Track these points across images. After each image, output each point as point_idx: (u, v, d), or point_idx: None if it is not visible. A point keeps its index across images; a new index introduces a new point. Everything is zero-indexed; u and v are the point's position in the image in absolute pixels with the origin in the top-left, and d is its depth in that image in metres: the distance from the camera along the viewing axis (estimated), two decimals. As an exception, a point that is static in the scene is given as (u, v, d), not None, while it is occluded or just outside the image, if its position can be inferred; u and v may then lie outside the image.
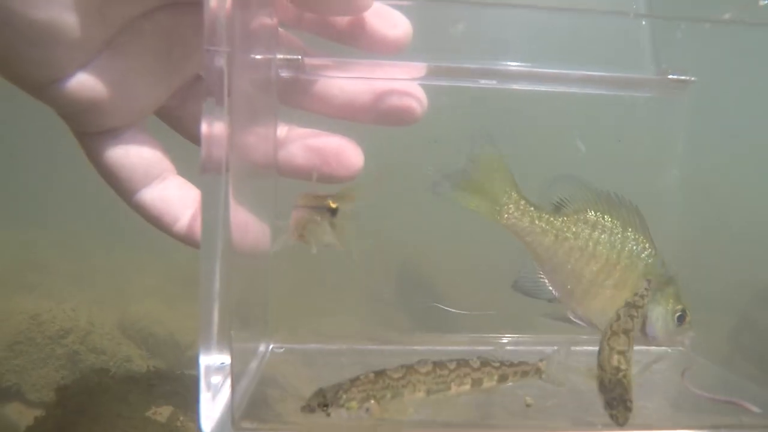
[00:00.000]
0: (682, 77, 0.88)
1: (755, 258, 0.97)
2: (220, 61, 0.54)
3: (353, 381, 0.71)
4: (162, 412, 1.20)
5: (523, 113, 0.95)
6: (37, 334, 2.00)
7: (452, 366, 0.75)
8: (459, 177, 0.85)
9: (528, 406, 0.79)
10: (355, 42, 0.80)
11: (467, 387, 0.75)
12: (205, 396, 0.59)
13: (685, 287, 0.84)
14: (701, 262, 0.94)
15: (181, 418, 1.19)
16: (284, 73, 0.84)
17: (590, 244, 0.82)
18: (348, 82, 0.83)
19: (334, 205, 0.74)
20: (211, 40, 0.53)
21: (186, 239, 0.72)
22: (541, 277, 0.85)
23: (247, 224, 0.71)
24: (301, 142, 0.81)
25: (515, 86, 0.86)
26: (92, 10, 0.61)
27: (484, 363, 0.77)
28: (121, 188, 0.70)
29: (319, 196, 0.74)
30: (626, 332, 0.76)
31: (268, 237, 0.76)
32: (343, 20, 0.78)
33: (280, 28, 0.81)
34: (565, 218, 0.83)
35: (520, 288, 0.86)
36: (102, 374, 1.49)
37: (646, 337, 0.83)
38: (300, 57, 0.83)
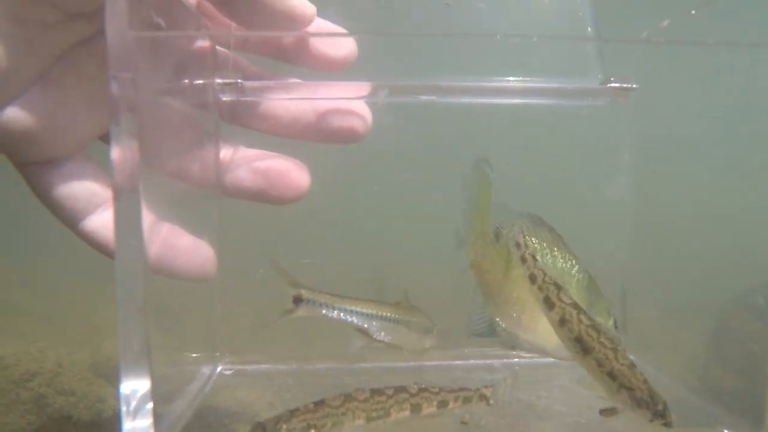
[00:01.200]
0: (624, 85, 0.88)
1: (718, 261, 0.95)
2: (123, 87, 0.53)
3: (293, 411, 0.70)
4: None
5: (475, 127, 0.94)
6: (1, 379, 1.93)
7: (390, 392, 0.75)
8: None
9: (464, 423, 0.77)
10: (300, 61, 0.80)
11: (406, 413, 0.75)
12: (127, 424, 0.56)
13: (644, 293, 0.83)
14: (660, 269, 0.93)
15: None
16: (225, 97, 0.83)
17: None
18: (292, 102, 0.83)
19: None
20: (114, 66, 0.52)
21: (152, 268, 0.70)
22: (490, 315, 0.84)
23: (176, 246, 0.70)
24: (248, 165, 0.80)
25: (457, 100, 0.85)
26: (21, 42, 0.60)
27: (423, 389, 0.77)
28: (64, 218, 0.69)
29: None
30: (611, 340, 0.74)
31: (210, 258, 0.74)
32: (287, 41, 0.79)
33: (229, 51, 0.81)
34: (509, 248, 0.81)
35: (476, 332, 0.84)
36: (63, 422, 1.43)
37: None
38: (239, 81, 0.82)
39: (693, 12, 0.76)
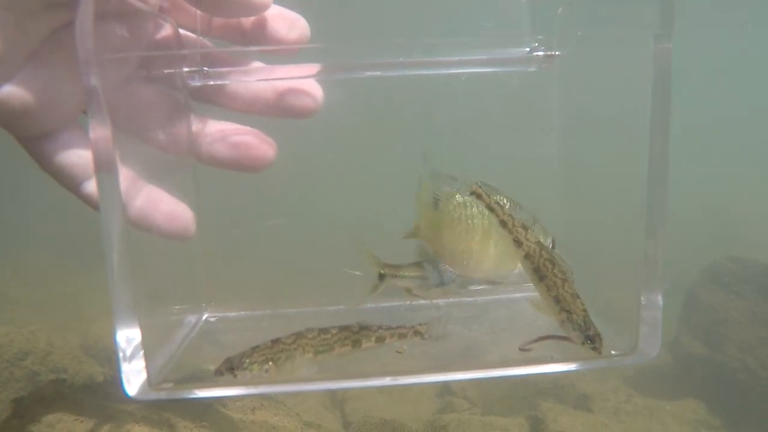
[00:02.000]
0: (549, 52, 0.99)
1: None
2: (93, 80, 0.63)
3: (254, 348, 0.83)
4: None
5: (412, 100, 1.05)
6: (-6, 359, 2.02)
7: (334, 331, 0.88)
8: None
9: (399, 353, 0.92)
10: (258, 44, 0.90)
11: (348, 347, 0.88)
12: (124, 366, 0.68)
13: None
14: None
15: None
16: (193, 82, 0.93)
17: (469, 221, 0.94)
18: (253, 83, 0.93)
19: None
20: (83, 62, 0.62)
21: (134, 227, 0.80)
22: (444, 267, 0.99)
23: (157, 206, 0.80)
24: (222, 139, 0.91)
25: (392, 74, 0.96)
26: (11, 26, 0.69)
27: (363, 327, 0.90)
28: (66, 184, 0.79)
29: None
30: (563, 272, 0.88)
31: (189, 218, 0.84)
32: (246, 24, 0.89)
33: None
34: (449, 207, 0.95)
35: (435, 284, 1.00)
36: (58, 384, 1.53)
37: None
38: (204, 68, 0.92)
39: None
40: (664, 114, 0.77)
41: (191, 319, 0.99)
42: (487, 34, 1.03)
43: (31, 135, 0.77)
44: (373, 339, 0.90)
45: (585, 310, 0.86)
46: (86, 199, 0.79)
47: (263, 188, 0.98)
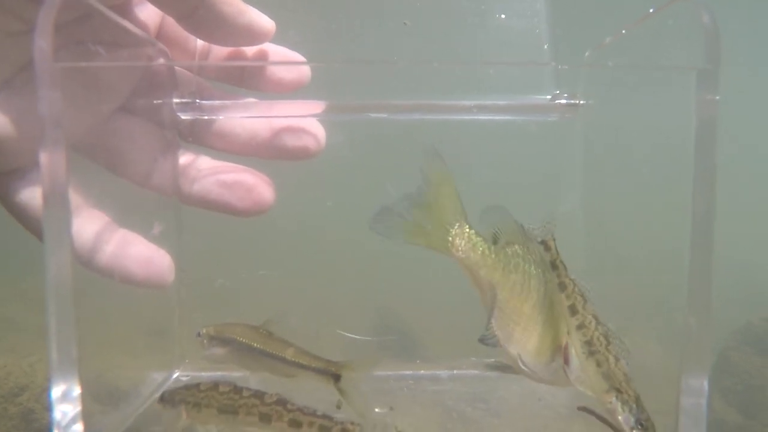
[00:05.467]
0: (572, 101, 0.90)
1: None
2: (49, 106, 0.57)
3: (185, 386, 0.80)
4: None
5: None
6: (-11, 392, 1.94)
7: (246, 393, 0.77)
8: (412, 201, 0.80)
9: None
10: (256, 85, 0.84)
11: (255, 418, 0.76)
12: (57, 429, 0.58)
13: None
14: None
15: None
16: (184, 116, 0.86)
17: (526, 278, 0.78)
18: (248, 120, 0.85)
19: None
20: (40, 91, 0.57)
21: (105, 274, 0.72)
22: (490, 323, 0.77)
23: (129, 252, 0.72)
24: (214, 177, 0.83)
25: (408, 117, 0.88)
26: None
27: (280, 401, 0.77)
28: (31, 228, 0.71)
29: None
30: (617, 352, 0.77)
31: (167, 265, 0.76)
32: (242, 66, 0.83)
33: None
34: (506, 250, 0.78)
35: (485, 340, 0.78)
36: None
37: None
38: (196, 100, 0.85)
39: (623, 31, 0.79)
40: (708, 171, 0.66)
41: (157, 377, 0.89)
42: (504, 77, 0.94)
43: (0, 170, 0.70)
44: (286, 420, 0.76)
45: (637, 394, 0.75)
46: None
47: (254, 234, 0.89)
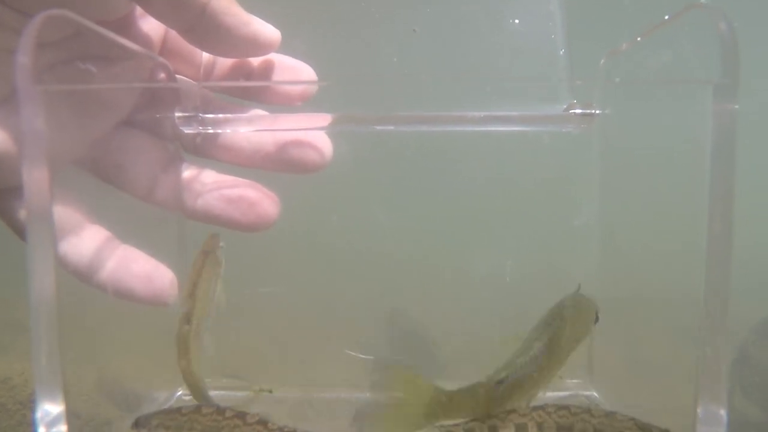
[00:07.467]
0: (587, 111, 0.87)
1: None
2: (30, 123, 0.57)
3: (163, 411, 0.79)
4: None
5: (441, 156, 0.94)
6: (8, 399, 1.96)
7: (229, 414, 0.76)
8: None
9: None
10: (262, 98, 0.82)
11: None
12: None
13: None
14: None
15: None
16: (186, 130, 0.85)
17: None
18: (253, 133, 0.84)
19: None
20: (22, 109, 0.57)
21: (107, 290, 0.72)
22: None
23: (131, 269, 0.72)
24: (219, 192, 0.82)
25: (417, 129, 0.85)
26: None
27: (261, 422, 0.75)
28: None
29: None
30: None
31: (169, 282, 0.75)
32: (250, 70, 0.81)
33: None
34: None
35: None
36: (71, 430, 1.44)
37: None
38: (198, 114, 0.84)
39: (638, 39, 0.75)
40: (726, 183, 0.62)
41: (159, 396, 0.88)
42: (516, 85, 0.91)
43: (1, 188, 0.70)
44: None
45: None
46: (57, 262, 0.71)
47: (257, 250, 0.88)
